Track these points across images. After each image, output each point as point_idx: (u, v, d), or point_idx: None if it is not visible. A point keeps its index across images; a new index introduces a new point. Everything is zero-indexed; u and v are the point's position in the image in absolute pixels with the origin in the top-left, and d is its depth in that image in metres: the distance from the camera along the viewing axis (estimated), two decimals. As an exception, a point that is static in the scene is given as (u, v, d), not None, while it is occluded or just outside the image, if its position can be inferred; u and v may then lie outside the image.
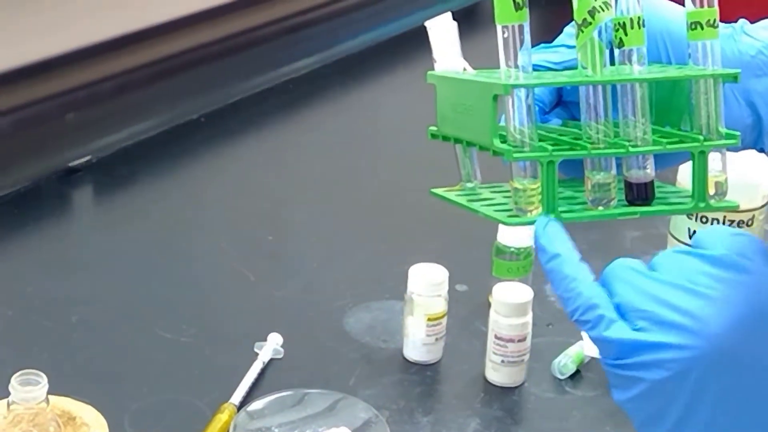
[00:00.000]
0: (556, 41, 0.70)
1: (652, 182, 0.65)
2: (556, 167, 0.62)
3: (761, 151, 0.71)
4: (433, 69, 0.71)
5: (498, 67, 0.64)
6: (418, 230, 1.30)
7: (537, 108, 0.68)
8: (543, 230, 0.61)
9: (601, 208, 0.64)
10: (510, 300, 1.01)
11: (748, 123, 0.69)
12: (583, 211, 0.64)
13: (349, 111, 1.68)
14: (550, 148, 0.62)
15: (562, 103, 0.72)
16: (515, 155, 0.62)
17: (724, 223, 1.11)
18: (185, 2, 1.53)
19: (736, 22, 0.71)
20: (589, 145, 0.63)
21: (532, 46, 0.68)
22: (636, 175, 0.65)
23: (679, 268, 0.59)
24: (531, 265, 1.12)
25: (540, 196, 0.62)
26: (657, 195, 0.66)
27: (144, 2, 1.47)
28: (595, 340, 0.59)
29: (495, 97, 0.63)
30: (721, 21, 0.67)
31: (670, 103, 0.68)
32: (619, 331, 0.58)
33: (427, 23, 0.71)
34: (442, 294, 1.04)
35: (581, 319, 0.59)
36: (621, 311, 0.59)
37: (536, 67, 0.68)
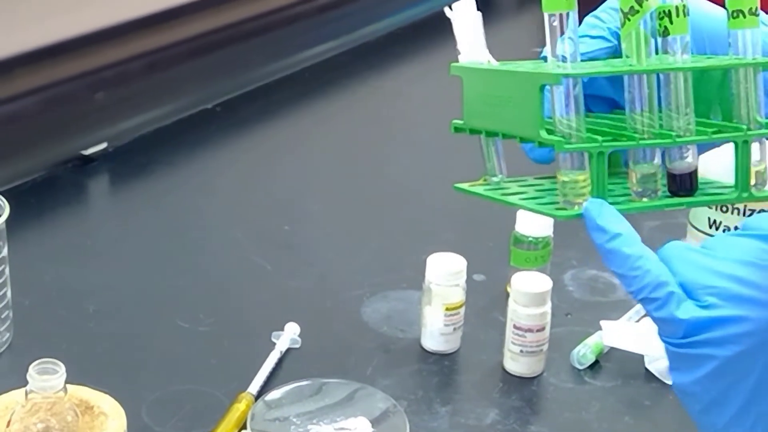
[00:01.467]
0: (578, 32, 0.70)
1: (695, 172, 0.65)
2: (606, 158, 0.61)
3: None
4: (455, 60, 0.70)
5: (519, 59, 0.64)
6: (435, 220, 1.29)
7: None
8: (600, 211, 0.60)
9: (645, 199, 0.64)
10: (529, 289, 1.00)
11: None
12: (630, 203, 0.64)
13: (366, 100, 1.68)
14: (600, 138, 0.61)
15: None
16: (566, 147, 0.61)
17: (744, 213, 1.10)
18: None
19: None
20: (636, 136, 0.63)
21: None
22: (679, 166, 0.64)
23: (737, 247, 0.59)
24: (549, 254, 1.11)
25: (589, 188, 0.62)
26: (700, 188, 0.65)
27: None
28: (662, 320, 0.58)
29: (542, 88, 0.62)
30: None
31: (698, 94, 0.67)
32: (690, 308, 0.57)
33: (448, 12, 0.69)
34: (460, 283, 1.04)
35: (649, 297, 0.58)
36: (685, 290, 0.58)
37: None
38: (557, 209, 0.63)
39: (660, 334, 0.59)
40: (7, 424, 0.82)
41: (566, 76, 0.62)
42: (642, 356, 1.04)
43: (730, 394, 0.57)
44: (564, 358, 1.04)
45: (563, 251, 1.19)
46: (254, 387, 0.97)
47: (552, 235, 1.11)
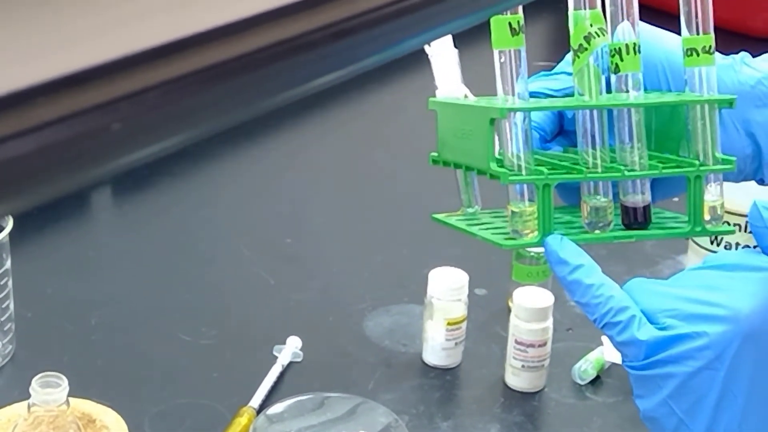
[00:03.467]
0: (556, 69, 0.71)
1: (648, 206, 0.66)
2: (551, 190, 0.63)
3: (761, 182, 0.71)
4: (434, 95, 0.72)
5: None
6: (437, 234, 1.29)
7: (538, 136, 0.70)
8: (560, 244, 0.62)
9: (597, 231, 0.65)
10: (531, 304, 1.00)
11: (748, 153, 0.69)
12: (579, 234, 0.65)
13: (370, 112, 1.68)
14: (546, 171, 0.63)
15: (564, 132, 0.72)
16: (511, 178, 0.63)
17: (746, 230, 1.11)
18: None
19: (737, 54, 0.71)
20: (585, 170, 0.64)
21: (536, 72, 0.69)
22: (632, 200, 0.66)
23: (695, 277, 0.61)
24: (551, 269, 1.11)
25: (536, 219, 0.63)
26: (654, 220, 0.67)
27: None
28: (624, 344, 0.60)
29: (492, 121, 0.63)
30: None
31: (669, 131, 0.69)
32: (649, 330, 0.59)
33: (427, 48, 0.72)
34: (462, 298, 1.04)
35: (612, 322, 0.60)
36: (647, 316, 0.60)
37: (536, 94, 0.69)
38: (507, 239, 0.65)
39: (623, 361, 0.61)
40: (9, 437, 0.82)
41: (511, 110, 0.64)
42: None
43: (695, 412, 0.58)
44: (565, 373, 1.04)
45: (565, 266, 1.19)
46: (256, 401, 0.97)
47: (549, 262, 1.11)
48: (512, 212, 0.64)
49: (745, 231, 1.11)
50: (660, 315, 0.60)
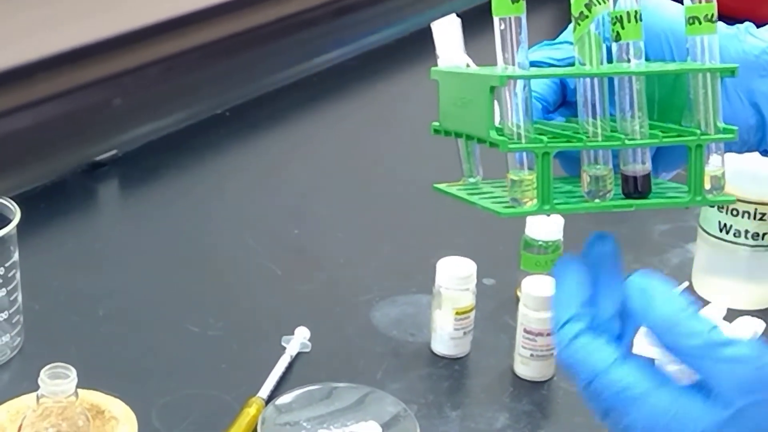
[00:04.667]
0: (559, 38, 0.70)
1: (648, 175, 0.65)
2: (551, 159, 0.63)
3: (765, 153, 0.71)
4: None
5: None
6: (445, 224, 1.29)
7: (541, 106, 0.69)
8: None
9: (597, 200, 0.65)
10: (539, 293, 1.00)
11: (752, 124, 0.68)
12: (578, 203, 0.65)
13: (375, 104, 1.68)
14: (545, 139, 0.63)
15: (567, 102, 0.72)
16: (510, 146, 0.63)
17: (755, 217, 1.10)
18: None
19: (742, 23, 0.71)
20: (585, 138, 0.64)
21: (536, 44, 0.69)
22: (632, 169, 0.65)
23: None
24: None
25: (535, 188, 0.63)
26: (655, 191, 0.66)
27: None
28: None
29: (492, 89, 0.63)
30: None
31: (672, 102, 0.68)
32: None
33: (432, 24, 0.71)
34: (470, 288, 1.04)
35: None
36: None
37: (539, 64, 0.69)
38: (506, 207, 0.64)
39: None
40: (18, 428, 0.82)
41: (511, 77, 0.63)
42: (652, 360, 1.03)
43: None
44: (574, 362, 1.04)
45: (573, 255, 1.19)
46: (264, 391, 0.97)
47: (562, 239, 1.11)
48: (511, 180, 0.64)
49: (755, 219, 1.11)
50: None
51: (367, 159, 1.49)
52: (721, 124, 0.66)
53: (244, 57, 1.59)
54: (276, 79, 1.65)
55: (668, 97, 0.68)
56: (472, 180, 0.72)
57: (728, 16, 0.70)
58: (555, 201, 0.63)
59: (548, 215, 0.63)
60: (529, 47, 0.67)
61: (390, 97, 1.70)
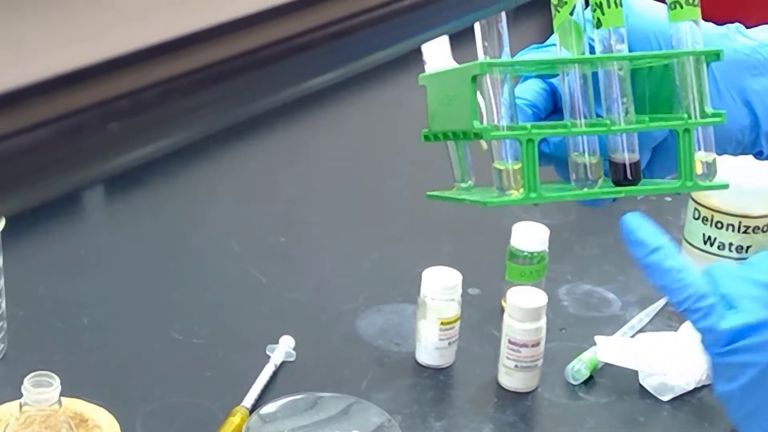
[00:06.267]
0: (547, 41, 0.71)
1: (637, 163, 0.65)
2: (536, 146, 0.63)
3: (759, 156, 0.70)
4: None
5: None
6: (431, 233, 1.29)
7: (531, 113, 0.69)
8: (638, 222, 0.61)
9: (586, 188, 0.64)
10: (524, 304, 1.00)
11: (746, 124, 0.68)
12: (566, 191, 0.64)
13: (364, 111, 1.68)
14: (529, 126, 0.63)
15: (557, 110, 0.72)
16: (493, 134, 0.63)
17: (739, 230, 1.11)
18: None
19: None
20: (569, 124, 0.64)
21: (524, 48, 0.69)
22: (621, 156, 0.65)
23: None
24: (544, 269, 1.11)
25: (521, 178, 0.63)
26: (645, 182, 0.66)
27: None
28: (705, 330, 0.59)
29: (473, 79, 0.63)
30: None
31: (662, 97, 0.68)
32: (731, 317, 0.58)
33: (423, 47, 0.72)
34: (456, 298, 1.04)
35: (693, 308, 0.59)
36: (728, 301, 0.59)
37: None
38: (490, 197, 0.64)
39: (703, 345, 0.60)
40: (1, 436, 0.81)
41: (492, 65, 0.63)
42: (636, 372, 1.04)
43: None
44: (558, 373, 1.04)
45: (558, 266, 1.19)
46: (249, 400, 0.97)
47: (547, 250, 1.11)
48: (497, 170, 0.64)
49: (739, 232, 1.11)
50: (742, 300, 0.59)
51: (354, 168, 1.49)
52: (709, 110, 0.65)
53: (247, 80, 1.58)
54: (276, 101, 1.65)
55: (657, 92, 0.68)
56: (464, 185, 0.72)
57: (714, 23, 0.70)
58: (542, 191, 0.63)
59: (536, 204, 0.63)
60: (518, 51, 0.67)
61: (379, 104, 1.70)
